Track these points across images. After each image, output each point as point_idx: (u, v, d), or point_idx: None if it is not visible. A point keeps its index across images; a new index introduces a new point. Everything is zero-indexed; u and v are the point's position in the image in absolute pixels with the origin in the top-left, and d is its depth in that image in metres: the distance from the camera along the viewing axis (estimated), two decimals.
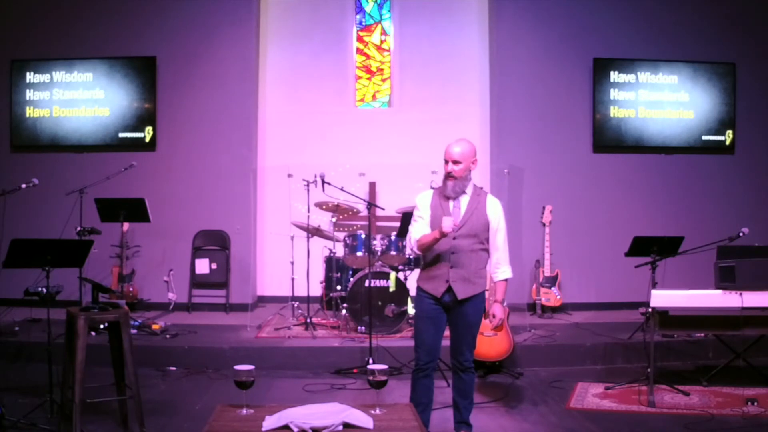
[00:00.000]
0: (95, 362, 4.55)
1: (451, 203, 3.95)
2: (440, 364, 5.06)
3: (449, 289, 3.91)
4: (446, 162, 3.94)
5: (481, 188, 4.09)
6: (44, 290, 5.02)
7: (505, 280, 4.07)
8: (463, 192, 3.96)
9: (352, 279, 6.67)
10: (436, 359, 4.06)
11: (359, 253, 6.57)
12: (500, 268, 4.03)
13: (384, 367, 3.13)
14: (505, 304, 4.38)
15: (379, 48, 8.70)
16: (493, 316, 4.07)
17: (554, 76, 7.88)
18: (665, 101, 7.91)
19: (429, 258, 3.99)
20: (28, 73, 7.77)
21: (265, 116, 8.32)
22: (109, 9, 7.81)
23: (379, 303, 6.33)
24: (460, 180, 3.93)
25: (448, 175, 3.93)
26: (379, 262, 6.55)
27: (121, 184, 7.09)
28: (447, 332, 4.06)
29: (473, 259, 3.93)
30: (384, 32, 8.70)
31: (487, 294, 4.17)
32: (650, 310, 4.91)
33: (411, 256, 6.61)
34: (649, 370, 4.87)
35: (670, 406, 4.80)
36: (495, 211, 3.98)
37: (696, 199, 7.93)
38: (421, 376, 3.99)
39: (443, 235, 3.79)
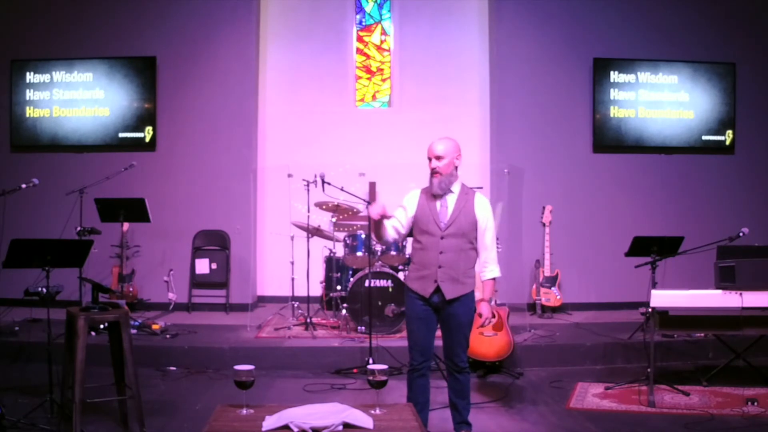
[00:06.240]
0: (95, 362, 4.55)
1: (438, 202, 3.94)
2: (440, 364, 5.06)
3: (437, 290, 3.89)
4: (429, 159, 3.96)
5: (471, 188, 4.08)
6: (44, 290, 5.02)
7: (493, 279, 4.06)
8: (450, 190, 3.95)
9: (352, 279, 6.67)
10: (430, 359, 4.06)
11: (359, 253, 6.57)
12: (488, 267, 4.03)
13: (384, 367, 3.12)
14: (493, 303, 4.35)
15: (379, 48, 8.70)
16: (480, 315, 4.03)
17: (554, 76, 7.88)
18: (665, 101, 7.91)
19: (417, 258, 3.99)
20: (28, 73, 7.78)
21: (265, 116, 8.32)
22: (109, 9, 7.82)
23: (379, 303, 6.33)
24: (446, 176, 3.92)
25: (433, 172, 3.94)
26: (379, 262, 6.55)
27: (121, 184, 7.10)
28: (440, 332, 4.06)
29: (461, 258, 3.91)
30: (384, 32, 8.70)
31: (478, 294, 4.16)
32: (650, 310, 4.91)
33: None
34: (649, 370, 4.87)
35: (670, 406, 4.80)
36: (483, 210, 3.97)
37: (696, 199, 7.93)
38: (416, 376, 3.99)
39: (374, 220, 3.88)
